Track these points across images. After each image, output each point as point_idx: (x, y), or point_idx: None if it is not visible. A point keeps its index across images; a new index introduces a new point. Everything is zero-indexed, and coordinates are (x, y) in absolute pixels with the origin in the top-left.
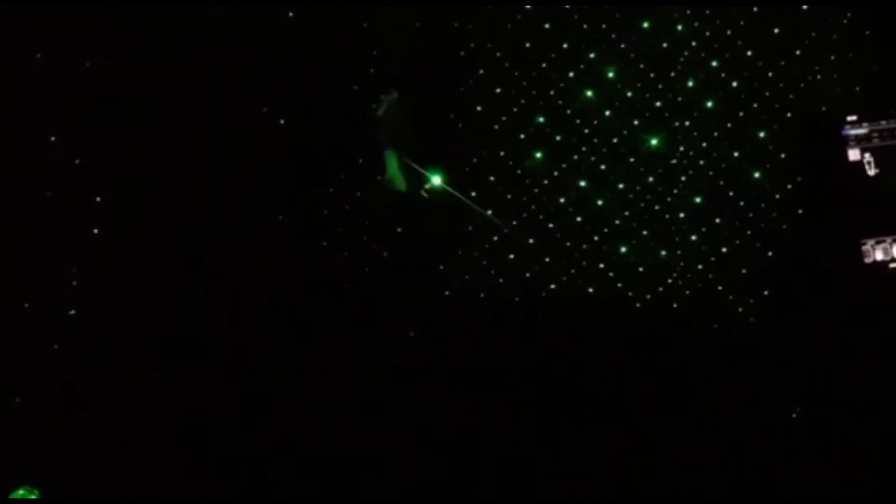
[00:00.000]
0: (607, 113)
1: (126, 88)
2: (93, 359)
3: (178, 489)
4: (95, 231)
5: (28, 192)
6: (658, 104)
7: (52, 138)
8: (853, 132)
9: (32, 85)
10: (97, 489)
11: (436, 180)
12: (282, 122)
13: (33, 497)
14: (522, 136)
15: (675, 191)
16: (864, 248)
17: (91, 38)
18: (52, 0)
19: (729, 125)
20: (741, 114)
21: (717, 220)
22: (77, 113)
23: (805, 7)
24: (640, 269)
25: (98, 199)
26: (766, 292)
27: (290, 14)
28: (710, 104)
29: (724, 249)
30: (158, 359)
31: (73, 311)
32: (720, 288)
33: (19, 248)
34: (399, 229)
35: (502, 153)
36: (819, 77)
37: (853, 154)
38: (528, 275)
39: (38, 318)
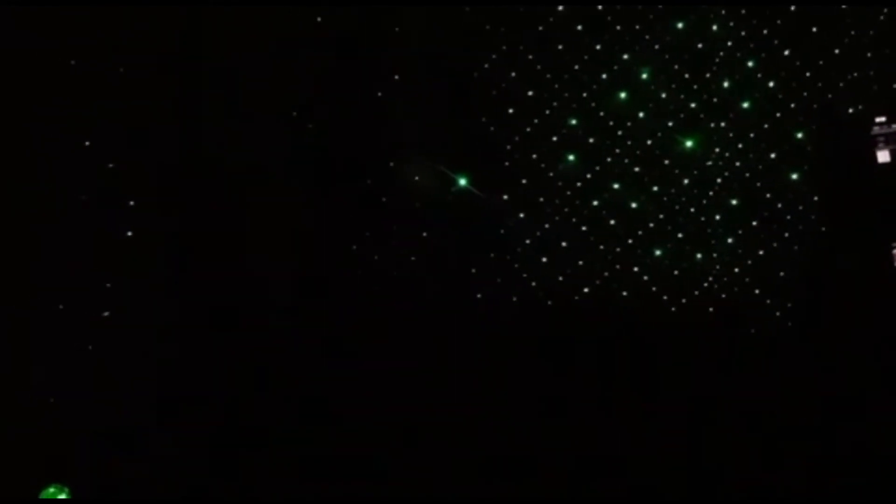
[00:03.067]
0: (641, 115)
1: (158, 91)
2: (125, 360)
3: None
4: (129, 234)
5: (63, 196)
6: (693, 105)
7: (87, 143)
8: (882, 132)
9: (66, 88)
10: (126, 488)
11: (462, 182)
12: (310, 126)
13: (63, 496)
14: (555, 139)
15: (711, 193)
16: (893, 251)
17: (126, 42)
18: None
19: (765, 126)
20: (778, 114)
21: (754, 223)
22: (110, 117)
23: (843, 6)
24: (675, 273)
25: (132, 202)
26: (803, 297)
27: (319, 19)
28: (746, 105)
29: (760, 252)
30: (190, 362)
31: (106, 313)
32: (757, 291)
33: (54, 250)
34: (427, 234)
35: (535, 156)
36: (856, 76)
37: (882, 156)
38: (560, 278)
39: (72, 320)
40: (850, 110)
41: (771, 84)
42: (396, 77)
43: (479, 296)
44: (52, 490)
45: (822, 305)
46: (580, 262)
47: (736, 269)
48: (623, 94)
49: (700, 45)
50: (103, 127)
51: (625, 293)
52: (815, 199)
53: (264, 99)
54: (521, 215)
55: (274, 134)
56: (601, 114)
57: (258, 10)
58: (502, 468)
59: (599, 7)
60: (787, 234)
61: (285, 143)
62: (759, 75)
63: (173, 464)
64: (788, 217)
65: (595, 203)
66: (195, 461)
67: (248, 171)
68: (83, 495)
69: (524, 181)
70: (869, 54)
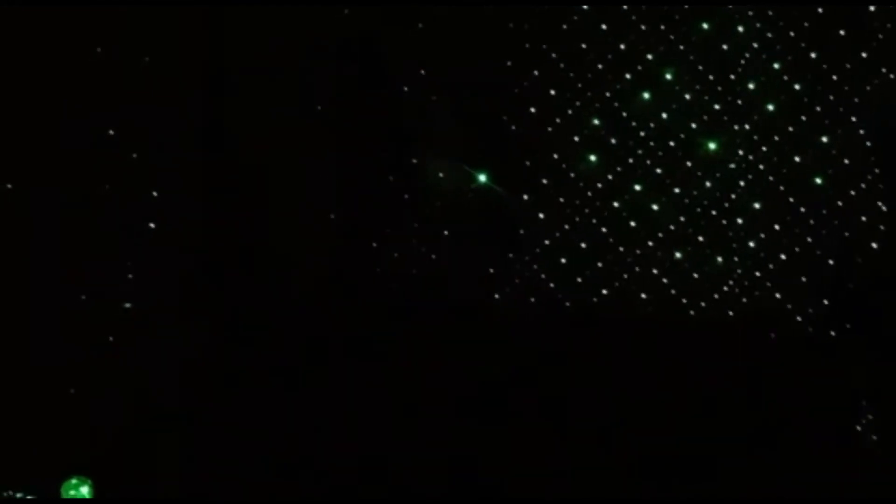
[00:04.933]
0: (664, 116)
1: (179, 84)
2: (147, 352)
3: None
4: (152, 225)
5: (86, 187)
6: (717, 107)
7: (111, 132)
8: None
9: (88, 79)
10: (150, 481)
11: (482, 179)
12: (332, 122)
13: (85, 488)
14: (577, 139)
15: (734, 196)
16: None
17: (150, 36)
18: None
19: (790, 129)
20: (803, 118)
21: (777, 227)
22: (133, 107)
23: (871, 8)
24: (696, 276)
25: (154, 193)
26: (825, 301)
27: (346, 11)
28: (771, 108)
29: (782, 257)
30: (212, 355)
31: (128, 305)
32: (778, 296)
33: (75, 241)
34: (447, 232)
35: (556, 156)
36: (886, 80)
37: None
38: (579, 280)
39: (95, 311)
40: (885, 113)
41: (797, 87)
42: (422, 72)
43: (497, 296)
44: (74, 482)
45: (848, 311)
46: (599, 264)
47: (757, 273)
48: (647, 95)
49: (725, 47)
50: (126, 121)
51: (644, 296)
52: (840, 204)
53: (286, 93)
54: (541, 216)
55: (295, 129)
56: (624, 114)
57: (282, 4)
58: (517, 466)
59: (624, 7)
60: (809, 239)
61: (307, 139)
62: (784, 78)
63: (192, 458)
64: (812, 221)
65: (616, 204)
66: (213, 456)
67: (269, 166)
68: (105, 488)
69: (545, 181)
70: None
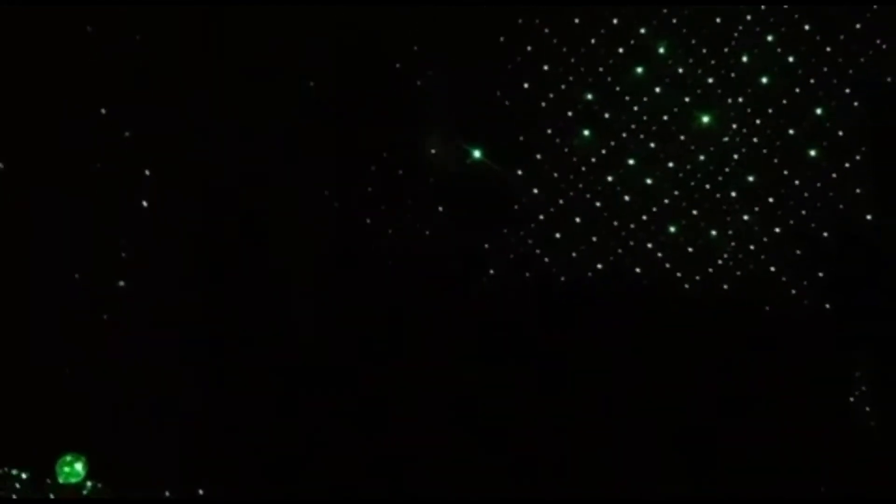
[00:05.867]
0: (657, 90)
1: (176, 68)
2: (139, 330)
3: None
4: (144, 203)
5: (78, 166)
6: (710, 80)
7: (103, 110)
8: None
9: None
10: (143, 458)
11: (476, 154)
12: (326, 97)
13: (79, 464)
14: (570, 114)
15: (727, 169)
16: None
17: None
18: None
19: (784, 102)
20: (797, 90)
21: (771, 200)
22: (128, 88)
23: None
24: (690, 250)
25: (147, 171)
26: (820, 274)
27: None
28: (764, 80)
29: (777, 230)
30: (203, 334)
31: (121, 283)
32: (773, 269)
33: (67, 220)
34: (442, 208)
35: (549, 131)
36: (880, 51)
37: None
38: (574, 255)
39: (86, 290)
40: (880, 85)
41: (790, 59)
42: (415, 48)
43: (491, 271)
44: (68, 458)
45: (843, 283)
46: (594, 238)
47: (752, 247)
48: (640, 69)
49: (718, 20)
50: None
51: (638, 269)
52: (834, 176)
53: (281, 73)
54: (536, 191)
55: (290, 107)
56: (617, 88)
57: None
58: (514, 448)
59: None
60: (804, 212)
61: (300, 117)
62: (778, 50)
63: (189, 436)
64: (806, 194)
65: (610, 179)
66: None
67: (261, 143)
68: (99, 464)
69: (539, 156)
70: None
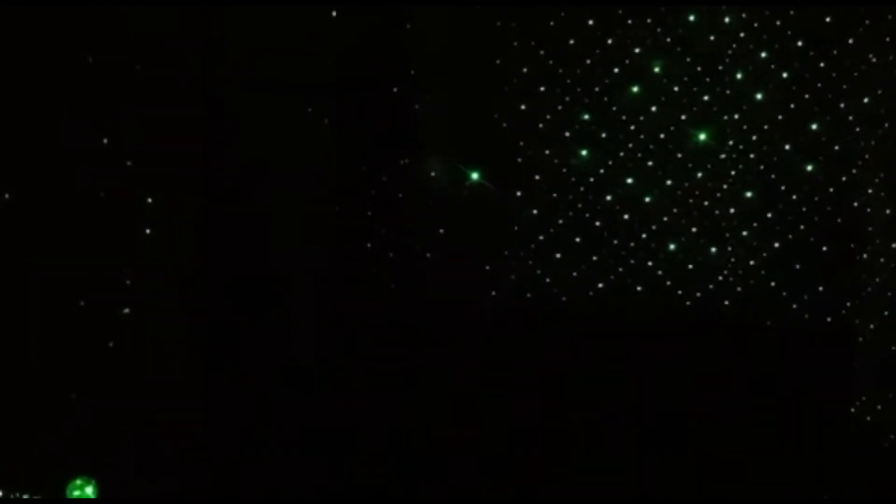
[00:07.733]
0: (654, 108)
1: (176, 87)
2: (145, 357)
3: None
4: (147, 231)
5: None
6: (706, 98)
7: (105, 140)
8: None
9: (87, 82)
10: (152, 482)
11: (475, 176)
12: (325, 121)
13: (90, 488)
14: (567, 134)
15: (725, 186)
16: None
17: (145, 37)
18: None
19: (780, 117)
20: (792, 105)
21: (769, 216)
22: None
23: None
24: (690, 267)
25: (149, 199)
26: (820, 288)
27: (334, 13)
28: (759, 97)
29: (776, 245)
30: (207, 355)
31: (126, 310)
32: (773, 284)
33: (74, 247)
34: (442, 230)
35: (547, 151)
36: (872, 65)
37: None
38: (575, 274)
39: (93, 316)
40: (874, 99)
41: (784, 75)
42: (412, 72)
43: (493, 293)
44: (78, 482)
45: (843, 298)
46: (594, 258)
47: (751, 262)
48: (636, 88)
49: (712, 38)
50: (121, 122)
51: (639, 288)
52: (831, 190)
53: (279, 95)
54: (535, 211)
55: (289, 131)
56: (614, 108)
57: (276, 5)
58: (511, 463)
59: (611, 2)
60: (802, 227)
61: (300, 141)
62: (772, 66)
63: (195, 459)
64: (804, 209)
65: (609, 198)
66: (216, 455)
67: (262, 167)
68: (109, 488)
69: (537, 177)
70: (887, 40)
